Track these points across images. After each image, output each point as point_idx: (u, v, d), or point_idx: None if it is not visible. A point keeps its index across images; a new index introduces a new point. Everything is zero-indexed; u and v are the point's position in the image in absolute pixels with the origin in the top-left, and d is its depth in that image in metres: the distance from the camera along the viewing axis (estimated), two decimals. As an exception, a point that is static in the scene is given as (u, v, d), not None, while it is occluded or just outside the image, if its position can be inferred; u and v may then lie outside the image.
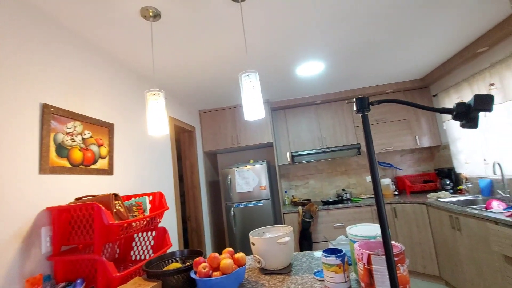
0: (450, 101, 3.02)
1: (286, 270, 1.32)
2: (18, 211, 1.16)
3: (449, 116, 3.07)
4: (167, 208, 1.60)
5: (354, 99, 0.55)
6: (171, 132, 2.69)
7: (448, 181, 3.17)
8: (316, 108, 3.69)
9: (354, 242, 1.11)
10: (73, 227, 1.25)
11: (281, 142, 3.69)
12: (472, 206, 2.28)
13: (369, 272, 0.92)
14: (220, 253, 1.25)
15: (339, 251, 1.13)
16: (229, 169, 3.45)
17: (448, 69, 2.91)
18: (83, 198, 1.36)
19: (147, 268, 1.26)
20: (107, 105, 1.84)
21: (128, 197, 1.71)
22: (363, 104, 0.54)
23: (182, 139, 3.36)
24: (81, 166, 1.53)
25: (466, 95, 2.73)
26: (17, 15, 1.28)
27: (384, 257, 0.89)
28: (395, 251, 0.95)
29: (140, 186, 2.08)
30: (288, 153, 3.63)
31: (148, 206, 1.65)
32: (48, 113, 1.38)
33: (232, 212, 3.37)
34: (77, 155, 1.51)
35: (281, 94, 3.38)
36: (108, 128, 1.80)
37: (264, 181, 3.36)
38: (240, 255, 1.21)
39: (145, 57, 2.01)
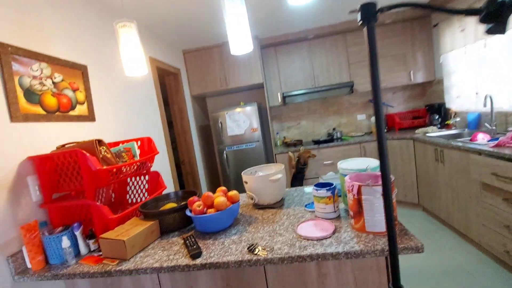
0: (451, 31, 2.83)
1: (279, 204, 1.38)
2: (-3, 161, 1.11)
3: (447, 48, 2.92)
4: (157, 153, 1.57)
5: (358, 8, 0.45)
6: (153, 75, 2.50)
7: (437, 117, 3.20)
8: (309, 44, 3.43)
9: (345, 175, 1.13)
10: (60, 175, 1.22)
11: (272, 82, 3.53)
12: (458, 140, 2.35)
13: (359, 202, 0.95)
14: (214, 193, 1.28)
15: (330, 184, 1.16)
16: (219, 113, 3.37)
17: (453, -7, 2.64)
18: (66, 146, 1.30)
19: (143, 209, 1.28)
20: (77, 45, 1.63)
21: (116, 144, 1.66)
22: (370, 11, 0.44)
23: (167, 83, 3.16)
24: (58, 113, 1.43)
25: (469, 24, 2.55)
26: None
27: (373, 187, 0.91)
28: (384, 182, 0.97)
29: (126, 133, 2.01)
30: (279, 94, 3.51)
31: (138, 151, 1.62)
32: (6, 53, 1.21)
33: (225, 155, 3.42)
34: (50, 100, 1.39)
35: (271, 29, 3.09)
36: (81, 70, 1.63)
37: (256, 123, 3.32)
38: (233, 192, 1.24)
39: (111, -18, 1.71)
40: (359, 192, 0.94)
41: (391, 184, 0.93)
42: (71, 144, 1.30)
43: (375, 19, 0.46)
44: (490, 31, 0.47)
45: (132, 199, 1.68)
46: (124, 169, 1.35)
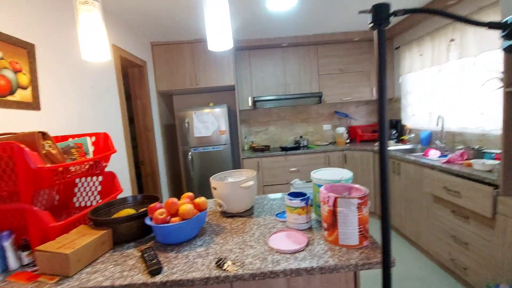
0: (410, 55, 3.08)
1: (248, 213, 1.31)
2: None
3: (406, 69, 3.17)
4: (114, 151, 1.40)
5: (370, 8, 0.41)
6: (116, 64, 2.27)
7: (394, 132, 3.44)
8: (283, 52, 3.46)
9: (319, 185, 1.11)
10: (-12, 171, 1.00)
11: (244, 85, 3.48)
12: (412, 154, 2.53)
13: (334, 214, 0.93)
14: (178, 198, 1.16)
15: (303, 194, 1.13)
16: (186, 112, 3.20)
17: (413, 22, 2.88)
18: (-1, 137, 1.08)
19: (93, 216, 1.12)
20: (24, 19, 1.39)
21: (65, 138, 1.44)
22: (382, 14, 0.41)
23: (131, 75, 2.92)
24: (-9, 97, 1.19)
25: (426, 50, 2.79)
26: None
27: (349, 200, 0.90)
28: (359, 194, 0.96)
29: (79, 126, 1.78)
30: (250, 98, 3.47)
31: (91, 148, 1.42)
32: None
33: (190, 157, 3.26)
34: (-19, 81, 1.15)
35: (247, 32, 3.05)
36: (26, 49, 1.39)
37: (224, 126, 3.23)
38: (201, 199, 1.14)
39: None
40: (335, 204, 0.92)
41: (365, 197, 0.93)
42: (6, 136, 1.08)
43: (388, 23, 0.43)
44: (508, 49, 0.46)
45: (80, 203, 1.47)
46: (73, 168, 1.16)
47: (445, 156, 2.26)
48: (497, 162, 1.79)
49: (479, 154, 2.04)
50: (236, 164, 3.79)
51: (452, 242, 1.95)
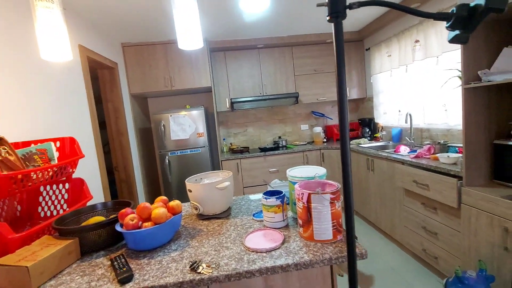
0: (380, 56, 3.22)
1: (225, 214, 1.29)
2: None
3: (377, 69, 3.31)
4: (82, 156, 1.33)
5: (327, 2, 0.43)
6: (83, 65, 2.17)
7: (367, 130, 3.58)
8: (258, 53, 3.49)
9: (294, 183, 1.12)
10: None
11: (220, 87, 3.46)
12: (385, 150, 2.64)
13: (308, 210, 0.94)
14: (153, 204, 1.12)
15: (279, 192, 1.14)
16: (162, 115, 3.12)
17: (381, 24, 3.02)
18: None
19: (58, 225, 1.05)
20: (-27, 15, 1.29)
21: (26, 144, 1.35)
22: (338, 6, 0.42)
23: (101, 77, 2.79)
24: None
25: (394, 51, 2.94)
26: None
27: (322, 195, 0.91)
28: (332, 189, 0.98)
29: (44, 131, 1.67)
30: (227, 99, 3.45)
31: (56, 154, 1.34)
32: None
33: (167, 161, 3.17)
34: None
35: (221, 33, 3.03)
36: (-21, 49, 1.29)
37: (202, 128, 3.18)
38: (175, 203, 1.11)
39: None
40: (308, 200, 0.93)
41: (337, 192, 0.95)
42: (-45, 142, 0.99)
43: (344, 16, 0.44)
44: (453, 40, 0.49)
45: (46, 213, 1.37)
46: (34, 175, 1.09)
47: (415, 151, 2.38)
48: (460, 155, 1.91)
49: (445, 148, 2.17)
50: (216, 167, 3.75)
51: (423, 233, 2.05)
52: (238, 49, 3.45)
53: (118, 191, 2.92)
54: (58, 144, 1.35)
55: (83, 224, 1.08)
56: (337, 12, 0.43)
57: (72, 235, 1.01)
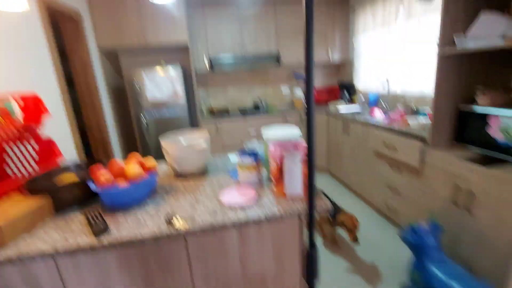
0: (364, 16, 3.12)
1: (202, 172, 1.32)
2: None
3: (360, 29, 3.24)
4: (46, 112, 1.25)
5: None
6: (41, 13, 1.92)
7: (346, 94, 3.62)
8: (240, 10, 3.25)
9: (268, 143, 1.14)
10: None
11: (198, 44, 3.26)
12: (360, 115, 2.72)
13: (280, 168, 0.98)
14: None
15: (255, 153, 1.16)
16: (136, 73, 2.94)
17: (370, -20, 2.88)
18: None
19: (29, 186, 1.02)
20: None
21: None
22: None
23: (63, 28, 2.52)
24: None
25: (378, 12, 2.85)
26: None
27: (293, 154, 0.95)
28: (304, 149, 1.02)
29: (1, 87, 1.53)
30: (205, 58, 3.29)
31: (19, 113, 1.25)
32: None
33: (144, 121, 3.08)
34: None
35: (198, -19, 2.76)
36: None
37: (179, 88, 3.06)
38: (149, 160, 1.11)
39: None
40: (281, 159, 0.96)
41: (310, 151, 0.99)
42: None
43: None
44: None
45: (15, 173, 1.32)
46: (-5, 132, 1.02)
47: (388, 116, 2.47)
48: (427, 120, 2.01)
49: (415, 113, 2.26)
50: (195, 128, 3.71)
51: (388, 191, 2.23)
52: (218, 4, 3.19)
53: (94, 153, 2.85)
54: (21, 103, 1.25)
55: (54, 182, 1.06)
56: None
57: (43, 194, 1.00)
